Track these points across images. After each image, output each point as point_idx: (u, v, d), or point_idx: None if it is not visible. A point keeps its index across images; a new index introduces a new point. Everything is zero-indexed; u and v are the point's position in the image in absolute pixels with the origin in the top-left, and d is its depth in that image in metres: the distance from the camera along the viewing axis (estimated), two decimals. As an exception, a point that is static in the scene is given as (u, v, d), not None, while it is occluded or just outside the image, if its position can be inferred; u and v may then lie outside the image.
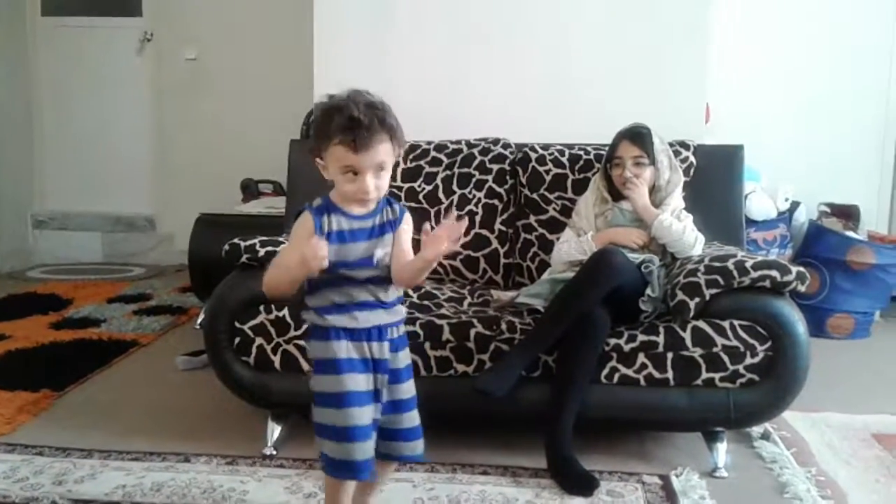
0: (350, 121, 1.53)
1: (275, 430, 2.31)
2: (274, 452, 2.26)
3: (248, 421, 2.41)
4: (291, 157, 3.08)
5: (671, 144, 2.69)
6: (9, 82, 4.89)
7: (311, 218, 1.59)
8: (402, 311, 1.71)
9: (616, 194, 2.55)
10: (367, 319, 1.63)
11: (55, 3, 5.14)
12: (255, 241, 2.32)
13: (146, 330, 3.51)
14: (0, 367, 2.95)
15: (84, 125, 5.16)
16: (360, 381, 1.62)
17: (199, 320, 3.56)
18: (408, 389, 1.72)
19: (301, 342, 2.23)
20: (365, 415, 1.62)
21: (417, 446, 1.74)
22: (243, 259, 2.30)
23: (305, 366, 2.23)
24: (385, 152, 1.57)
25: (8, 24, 4.92)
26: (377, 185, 1.58)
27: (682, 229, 2.38)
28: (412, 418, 1.73)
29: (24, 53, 5.06)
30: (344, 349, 1.61)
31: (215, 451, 2.26)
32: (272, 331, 2.25)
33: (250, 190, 4.36)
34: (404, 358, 1.71)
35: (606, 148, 2.62)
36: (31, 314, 3.70)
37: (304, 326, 1.72)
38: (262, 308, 2.26)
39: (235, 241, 2.33)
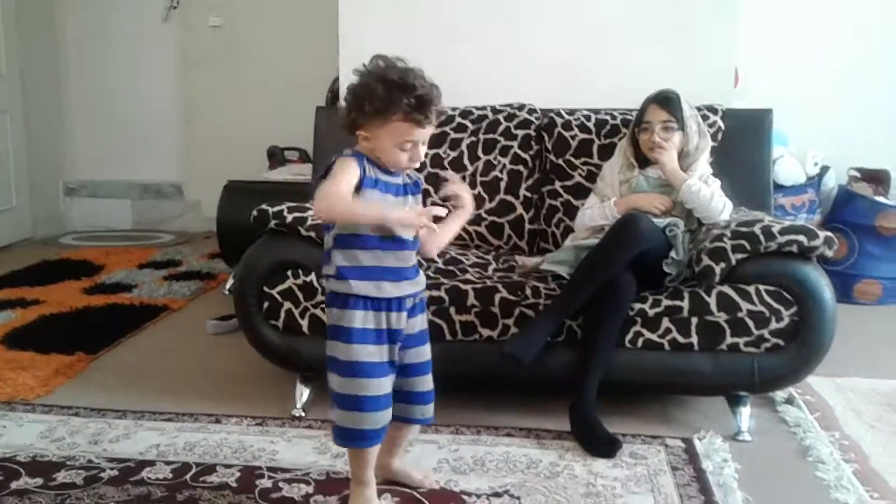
0: (421, 100, 1.56)
1: (303, 393, 2.36)
2: (302, 414, 2.31)
3: (277, 383, 2.46)
4: (317, 124, 3.10)
5: (699, 109, 2.66)
6: (38, 50, 4.94)
7: (354, 160, 1.59)
8: (422, 279, 1.73)
9: (642, 160, 2.54)
10: (390, 290, 1.64)
11: (82, -28, 5.16)
12: (283, 207, 2.35)
13: (176, 295, 3.57)
14: (35, 331, 3.03)
15: (112, 93, 5.21)
16: (373, 352, 1.63)
17: (227, 285, 3.62)
18: (422, 353, 1.74)
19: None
20: (380, 385, 1.64)
21: (428, 410, 1.76)
22: (271, 225, 2.33)
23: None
24: (435, 123, 1.63)
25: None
26: (424, 152, 1.65)
27: (710, 195, 2.36)
28: (426, 382, 1.75)
29: (51, 21, 5.10)
30: (360, 319, 1.62)
31: (245, 413, 2.31)
32: (300, 295, 2.29)
33: (276, 157, 4.39)
34: (420, 323, 1.73)
35: (633, 113, 2.61)
36: (64, 280, 3.78)
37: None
38: (289, 273, 2.29)
39: (264, 207, 2.36)
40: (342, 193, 1.54)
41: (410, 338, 1.71)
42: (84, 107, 5.27)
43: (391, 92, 1.56)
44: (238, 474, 1.95)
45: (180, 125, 5.21)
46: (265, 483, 1.90)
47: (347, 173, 1.58)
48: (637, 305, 2.17)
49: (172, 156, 5.26)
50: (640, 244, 2.14)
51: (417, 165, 1.65)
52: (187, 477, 1.93)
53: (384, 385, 1.65)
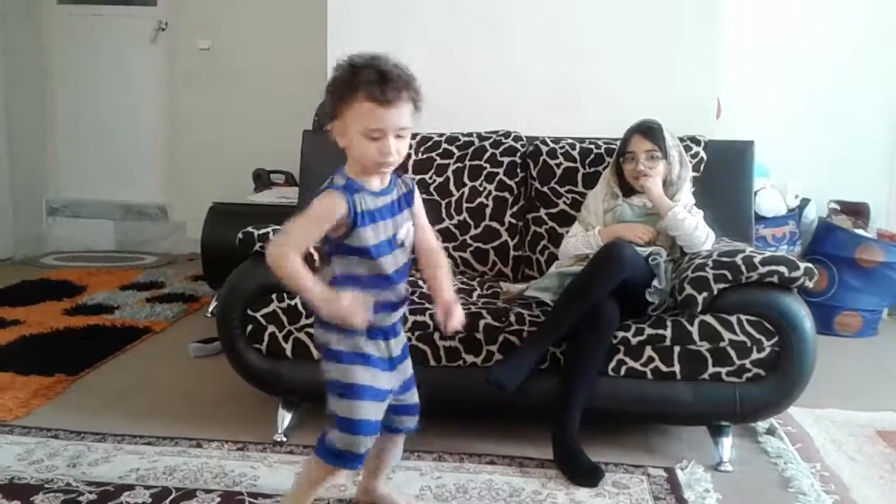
0: (379, 74, 1.49)
1: (285, 418, 2.34)
2: (284, 439, 2.29)
3: (260, 408, 2.44)
4: (304, 147, 3.11)
5: (681, 139, 2.70)
6: (24, 70, 4.93)
7: (342, 197, 1.53)
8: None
9: (626, 189, 2.57)
10: (385, 320, 1.64)
11: (70, -9, 5.17)
12: (269, 229, 2.35)
13: (159, 317, 3.55)
14: (15, 351, 3.00)
15: (98, 114, 5.20)
16: (380, 378, 1.63)
17: (210, 308, 3.60)
18: (408, 367, 1.76)
19: (312, 330, 2.25)
20: (378, 411, 1.64)
21: (415, 420, 1.80)
22: (256, 247, 2.33)
23: (316, 354, 2.26)
24: (407, 114, 1.53)
25: (24, 11, 4.95)
26: (398, 148, 1.53)
27: (694, 224, 2.39)
28: (414, 394, 1.78)
29: (39, 41, 5.10)
30: (372, 347, 1.63)
31: (227, 437, 2.29)
32: (284, 319, 2.28)
33: (262, 180, 4.40)
34: (403, 338, 1.74)
35: (617, 142, 2.64)
36: (44, 300, 3.75)
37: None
38: (274, 296, 2.29)
39: (249, 229, 2.36)
40: (293, 260, 1.50)
41: (401, 357, 1.72)
42: (68, 126, 5.25)
43: (354, 70, 1.52)
44: (218, 500, 1.93)
45: (166, 146, 5.21)
46: (245, 509, 1.89)
47: (321, 221, 1.53)
48: (620, 334, 2.18)
49: (158, 177, 5.25)
50: (623, 272, 2.16)
51: (391, 160, 1.53)
52: (167, 502, 1.91)
53: (380, 411, 1.66)
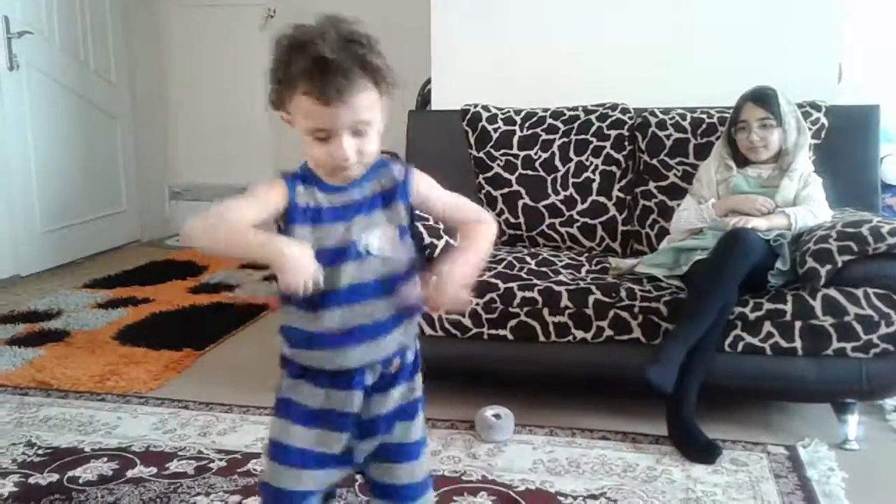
0: (317, 62, 1.11)
1: (398, 391, 2.40)
2: (399, 411, 2.35)
3: (374, 381, 2.51)
4: (410, 127, 3.15)
5: (800, 105, 2.57)
6: (145, 61, 5.19)
7: (283, 185, 1.20)
8: (405, 337, 1.25)
9: (740, 160, 2.48)
10: (339, 357, 1.22)
11: (186, -17, 5.40)
12: (378, 209, 2.40)
13: (276, 294, 3.68)
14: (145, 328, 3.19)
15: (213, 101, 5.42)
16: (294, 434, 1.26)
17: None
18: (406, 434, 1.29)
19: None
20: (297, 480, 1.25)
21: None
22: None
23: (427, 329, 2.30)
24: (368, 105, 1.15)
25: (143, 3, 5.21)
26: (359, 148, 1.16)
27: (813, 215, 2.29)
28: (412, 472, 1.30)
29: (156, 32, 5.35)
30: (297, 391, 1.26)
31: (343, 409, 2.38)
32: (395, 296, 2.33)
33: (369, 160, 4.48)
34: (406, 394, 1.28)
35: (730, 111, 2.55)
36: (170, 279, 3.97)
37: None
38: (385, 274, 2.34)
39: (359, 209, 2.42)
40: (233, 218, 1.14)
41: (381, 420, 1.27)
42: (186, 114, 5.51)
43: (290, 54, 1.15)
44: (338, 468, 2.01)
45: (276, 130, 5.38)
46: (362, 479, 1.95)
47: (258, 198, 1.18)
48: (737, 309, 2.12)
49: (269, 160, 5.44)
50: (750, 260, 2.09)
51: (347, 164, 1.16)
52: (290, 470, 2.00)
53: (306, 480, 1.25)
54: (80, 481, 1.96)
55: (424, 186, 1.26)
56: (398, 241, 1.23)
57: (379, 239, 1.21)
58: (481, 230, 1.28)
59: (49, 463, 2.05)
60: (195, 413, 2.38)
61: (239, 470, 2.01)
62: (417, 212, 1.27)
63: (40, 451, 2.12)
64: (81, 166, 4.53)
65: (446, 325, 2.30)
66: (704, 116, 2.79)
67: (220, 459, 2.06)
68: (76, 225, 4.48)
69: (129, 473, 2.00)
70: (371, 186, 1.22)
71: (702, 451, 2.03)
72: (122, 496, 1.88)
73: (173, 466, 2.03)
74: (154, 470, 2.01)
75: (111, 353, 2.89)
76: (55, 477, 1.98)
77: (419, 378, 1.31)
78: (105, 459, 2.07)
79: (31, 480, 1.96)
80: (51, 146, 4.27)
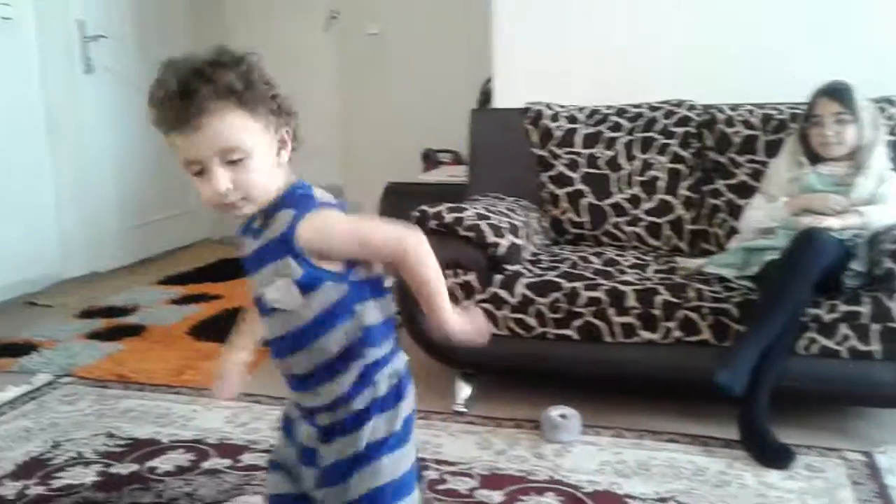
0: (160, 85, 1.06)
1: (464, 389, 2.42)
2: (464, 410, 2.37)
3: (440, 379, 2.53)
4: (472, 126, 3.16)
5: (876, 101, 2.50)
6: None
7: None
8: (338, 388, 1.16)
9: (813, 157, 2.42)
10: (296, 396, 1.25)
11: (250, -17, 5.52)
12: (442, 207, 2.42)
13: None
14: (217, 323, 3.28)
15: (278, 101, 5.53)
16: (279, 442, 1.30)
17: (386, 283, 3.76)
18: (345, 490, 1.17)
19: (487, 306, 2.31)
20: (274, 484, 1.28)
21: None
22: (431, 225, 2.41)
23: (491, 328, 2.29)
24: (233, 130, 1.05)
25: (212, 5, 5.34)
26: (235, 180, 1.07)
27: (890, 215, 2.22)
28: None
29: (224, 32, 5.47)
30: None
31: (410, 406, 2.41)
32: (459, 294, 2.35)
33: (431, 159, 4.52)
34: (341, 450, 1.17)
35: (802, 107, 2.49)
36: (240, 276, 4.04)
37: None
38: (449, 272, 2.35)
39: (423, 207, 2.45)
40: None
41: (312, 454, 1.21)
42: (252, 113, 5.63)
43: (151, 88, 1.11)
44: (406, 465, 2.03)
45: (340, 129, 5.46)
46: (432, 474, 1.98)
47: None
48: (812, 311, 2.07)
49: (333, 159, 5.52)
50: (823, 261, 2.04)
51: (227, 201, 1.09)
52: (359, 465, 2.04)
53: (278, 485, 1.28)
54: (159, 471, 2.03)
55: (312, 237, 1.09)
56: (296, 293, 1.11)
57: (275, 291, 1.12)
58: (410, 266, 1.13)
59: (129, 453, 2.13)
60: (266, 407, 2.44)
61: (309, 465, 2.05)
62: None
63: (120, 442, 2.20)
64: (155, 166, 4.67)
65: (511, 325, 2.30)
66: (775, 112, 2.73)
67: (291, 454, 2.11)
68: (151, 223, 4.63)
69: (205, 465, 2.06)
70: (266, 234, 1.13)
71: (775, 456, 1.99)
72: (199, 487, 1.95)
73: (246, 459, 2.09)
74: (228, 462, 2.08)
75: (185, 347, 2.99)
76: (135, 467, 2.06)
77: (366, 430, 1.17)
78: (182, 450, 2.15)
79: (112, 470, 2.04)
80: (127, 146, 4.42)
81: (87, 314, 3.44)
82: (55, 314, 3.48)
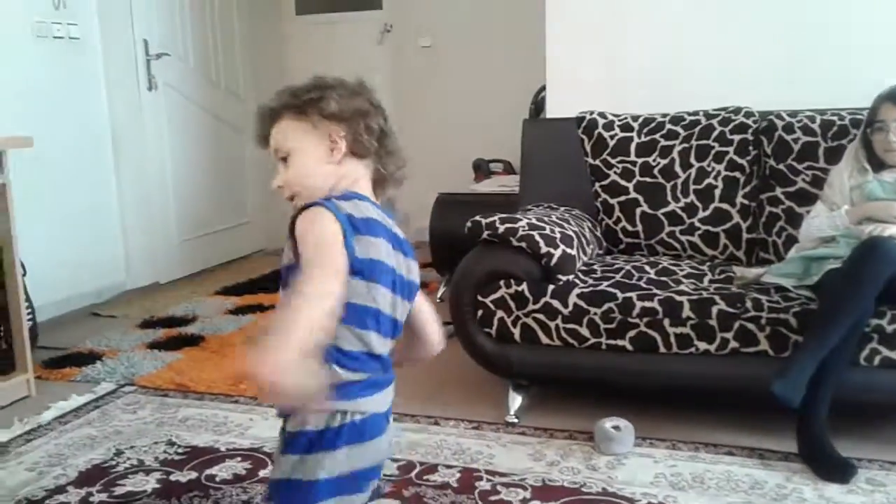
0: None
1: (516, 400, 2.42)
2: (516, 420, 2.37)
3: (491, 389, 2.54)
4: (525, 136, 3.17)
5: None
6: (269, 75, 5.44)
7: None
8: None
9: (877, 164, 2.35)
10: None
11: (307, 3, 5.62)
12: (495, 218, 2.43)
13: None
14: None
15: (333, 114, 5.62)
16: None
17: (440, 293, 3.78)
18: None
19: (539, 316, 2.30)
20: None
21: None
22: (484, 235, 2.42)
23: (544, 339, 2.31)
24: (282, 134, 1.24)
25: (269, 23, 5.47)
26: (285, 175, 1.24)
27: None
28: None
29: (280, 47, 5.60)
30: None
31: (462, 416, 2.41)
32: (512, 304, 2.35)
33: (482, 169, 4.53)
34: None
35: (864, 113, 2.42)
36: (293, 287, 4.13)
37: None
38: (502, 282, 2.36)
39: (477, 218, 2.46)
40: None
41: None
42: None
43: None
44: (458, 475, 2.04)
45: (404, 140, 5.51)
46: (484, 485, 1.98)
47: None
48: (874, 321, 2.01)
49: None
50: (890, 270, 1.98)
51: (283, 194, 1.27)
52: (412, 474, 2.05)
53: None
54: (217, 479, 2.07)
55: (300, 230, 1.13)
56: (288, 275, 1.17)
57: (284, 259, 1.22)
58: (293, 301, 1.04)
59: (188, 461, 2.19)
60: (320, 417, 2.46)
61: (363, 473, 2.07)
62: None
63: (180, 450, 2.26)
64: (213, 179, 4.80)
65: (564, 335, 2.29)
66: (835, 118, 2.67)
67: (345, 462, 2.14)
68: (208, 235, 4.75)
69: (262, 473, 2.10)
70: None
71: (835, 470, 1.94)
72: (255, 495, 1.98)
73: (300, 467, 2.12)
74: (283, 470, 2.10)
75: (242, 357, 3.04)
76: (194, 475, 2.10)
77: (285, 461, 1.14)
78: (239, 459, 2.19)
79: (172, 477, 2.09)
80: (186, 161, 4.55)
81: (149, 324, 3.54)
82: (118, 324, 3.60)
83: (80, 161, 3.87)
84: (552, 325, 2.30)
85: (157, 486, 2.05)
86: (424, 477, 2.03)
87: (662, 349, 2.22)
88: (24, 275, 2.83)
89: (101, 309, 3.88)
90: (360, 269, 1.13)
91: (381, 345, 1.18)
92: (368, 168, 1.25)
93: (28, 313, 2.97)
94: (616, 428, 2.16)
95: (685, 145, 2.81)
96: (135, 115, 4.19)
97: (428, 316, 1.32)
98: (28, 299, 3.04)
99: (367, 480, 1.19)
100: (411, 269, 1.24)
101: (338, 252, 1.10)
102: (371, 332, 1.16)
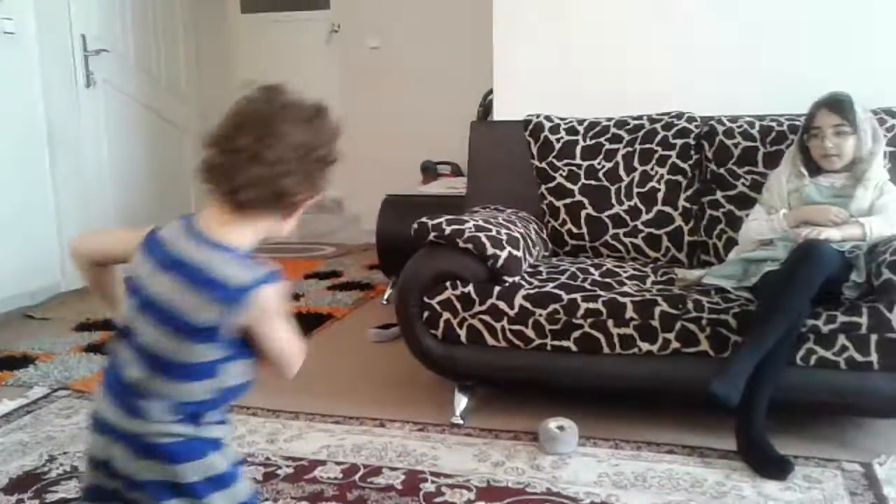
0: None
1: (462, 401, 2.41)
2: (461, 422, 2.36)
3: (437, 391, 2.53)
4: (472, 138, 3.17)
5: (875, 112, 2.50)
6: (213, 73, 5.34)
7: None
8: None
9: (813, 169, 2.42)
10: None
11: (253, 1, 5.55)
12: (442, 219, 2.42)
13: (339, 304, 3.76)
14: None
15: (279, 114, 5.55)
16: None
17: (386, 295, 3.77)
18: None
19: (485, 317, 2.30)
20: None
21: None
22: (431, 237, 2.41)
23: (490, 340, 2.31)
24: None
25: (213, 21, 5.37)
26: None
27: (889, 226, 2.22)
28: None
29: (225, 46, 5.51)
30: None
31: (407, 418, 2.40)
32: (458, 306, 2.34)
33: (430, 171, 4.53)
34: None
35: (801, 119, 2.49)
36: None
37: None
38: (448, 284, 2.35)
39: (423, 220, 2.45)
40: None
41: None
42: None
43: None
44: (403, 477, 2.02)
45: (340, 142, 5.46)
46: (429, 487, 1.97)
47: None
48: (810, 321, 2.06)
49: (334, 171, 5.52)
50: (824, 274, 2.03)
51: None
52: (356, 477, 2.03)
53: None
54: (155, 484, 2.01)
55: None
56: None
57: None
58: None
59: (125, 466, 2.12)
60: (263, 420, 2.43)
61: (306, 477, 2.04)
62: None
63: (117, 455, 2.19)
64: (153, 176, 4.69)
65: (509, 336, 2.29)
66: (774, 124, 2.73)
67: (287, 466, 2.10)
68: (149, 234, 4.63)
69: (200, 478, 2.05)
70: None
71: (773, 467, 1.98)
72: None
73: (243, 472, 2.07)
74: (223, 475, 2.06)
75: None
76: (131, 480, 2.04)
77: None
78: (177, 464, 2.13)
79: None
80: (125, 159, 4.44)
81: (84, 327, 3.44)
82: (52, 327, 3.48)
83: (13, 159, 3.74)
84: (498, 326, 2.30)
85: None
86: (368, 479, 2.01)
87: (606, 350, 2.24)
88: (-49, 275, 2.72)
89: (35, 311, 3.75)
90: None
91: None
92: (214, 190, 1.16)
93: (-44, 315, 2.86)
94: (560, 428, 2.17)
95: (629, 149, 2.85)
96: (72, 112, 4.07)
97: (265, 348, 1.20)
98: (-44, 301, 2.92)
99: None
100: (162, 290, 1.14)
101: None
102: None
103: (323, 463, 2.11)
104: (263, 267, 1.14)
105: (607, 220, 2.80)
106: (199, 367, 1.14)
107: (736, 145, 2.74)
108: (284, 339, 1.19)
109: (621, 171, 2.83)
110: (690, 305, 2.19)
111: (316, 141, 1.19)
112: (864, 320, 2.03)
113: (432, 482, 1.99)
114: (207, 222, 1.16)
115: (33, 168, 3.88)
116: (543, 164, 2.91)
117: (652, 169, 2.81)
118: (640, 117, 2.91)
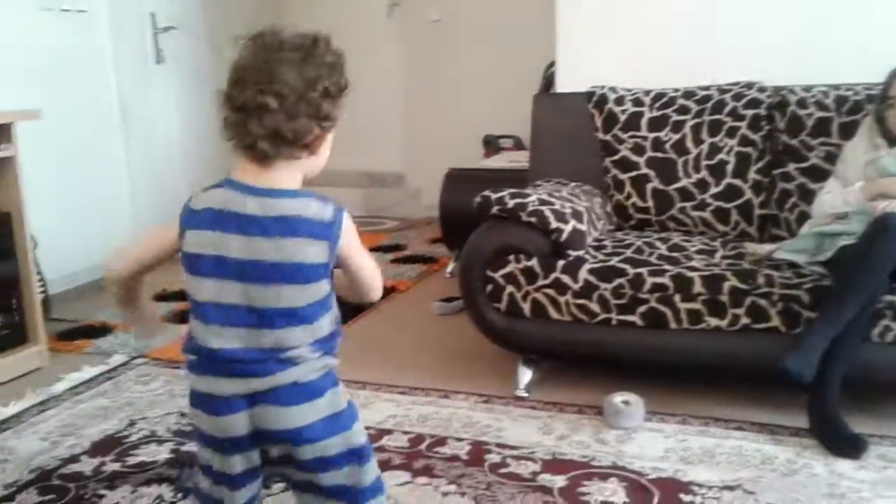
0: None
1: (526, 374, 2.42)
2: (526, 395, 2.37)
3: (501, 364, 2.54)
4: (535, 111, 3.15)
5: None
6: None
7: None
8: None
9: (890, 139, 2.33)
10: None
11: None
12: (505, 193, 2.42)
13: (403, 277, 3.80)
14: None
15: (341, 88, 5.59)
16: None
17: (449, 269, 3.79)
18: None
19: (549, 291, 2.30)
20: None
21: None
22: (494, 210, 2.41)
23: (554, 314, 2.31)
24: None
25: (277, -2, 5.42)
26: None
27: None
28: None
29: (288, 23, 5.53)
30: None
31: (472, 390, 2.42)
32: (521, 279, 2.34)
33: (492, 145, 4.51)
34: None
35: (878, 87, 2.40)
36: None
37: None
38: (511, 257, 2.35)
39: (486, 193, 2.45)
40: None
41: None
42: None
43: None
44: (468, 447, 2.05)
45: (402, 116, 5.48)
46: (494, 458, 1.99)
47: None
48: (887, 297, 2.00)
49: (395, 146, 5.56)
50: None
51: None
52: (422, 447, 2.06)
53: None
54: (229, 450, 2.09)
55: None
56: None
57: None
58: None
59: (200, 432, 2.20)
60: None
61: (373, 445, 2.06)
62: None
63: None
64: (222, 153, 4.78)
65: (573, 311, 2.29)
66: (850, 93, 2.64)
67: (356, 435, 2.15)
68: (218, 209, 4.74)
69: (272, 445, 2.11)
70: None
71: (846, 445, 1.94)
72: (267, 466, 1.99)
73: (312, 440, 2.13)
74: (294, 442, 2.12)
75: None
76: (206, 445, 2.12)
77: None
78: (250, 431, 2.20)
79: (184, 448, 2.10)
80: (195, 135, 4.53)
81: (161, 298, 3.56)
82: (130, 297, 3.61)
83: (88, 135, 3.86)
84: (562, 300, 2.30)
85: (170, 455, 2.07)
86: (434, 449, 2.04)
87: (673, 325, 2.22)
88: (35, 248, 2.84)
89: (112, 283, 3.89)
90: (184, 264, 1.23)
91: (205, 333, 1.19)
92: (237, 146, 1.21)
93: (40, 286, 2.99)
94: (626, 402, 2.16)
95: (697, 120, 2.79)
96: (143, 88, 4.17)
97: (356, 272, 1.30)
98: (39, 272, 3.05)
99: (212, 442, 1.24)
100: (260, 250, 1.17)
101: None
102: (194, 321, 1.21)
103: (390, 432, 2.15)
104: (329, 198, 1.19)
105: (674, 194, 2.75)
106: (322, 303, 1.21)
107: (809, 115, 2.66)
108: (368, 261, 1.28)
109: (689, 143, 2.78)
110: (761, 280, 2.15)
111: (315, 74, 1.18)
112: (944, 296, 1.97)
113: (497, 453, 2.01)
114: (255, 177, 1.19)
115: (107, 143, 4.00)
116: (608, 137, 2.87)
117: (721, 141, 2.75)
118: (708, 88, 2.84)
